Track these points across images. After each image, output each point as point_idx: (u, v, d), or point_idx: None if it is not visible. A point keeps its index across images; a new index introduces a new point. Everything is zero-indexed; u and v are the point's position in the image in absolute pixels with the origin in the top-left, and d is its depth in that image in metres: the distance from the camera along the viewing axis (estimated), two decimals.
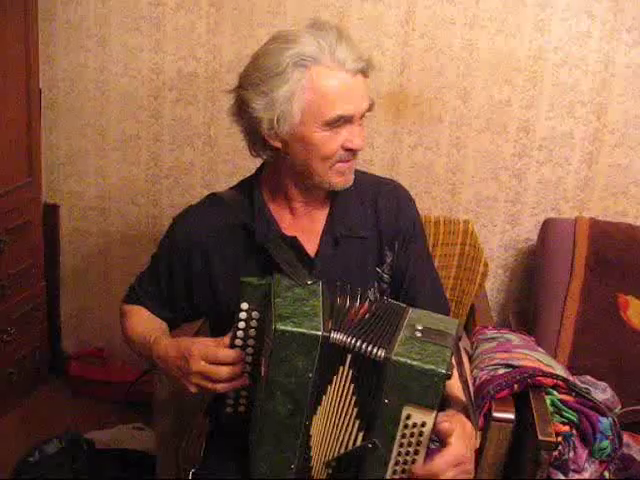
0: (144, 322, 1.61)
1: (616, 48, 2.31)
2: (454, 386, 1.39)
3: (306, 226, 1.55)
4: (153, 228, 2.74)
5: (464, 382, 1.38)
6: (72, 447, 2.31)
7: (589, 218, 2.37)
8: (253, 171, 1.62)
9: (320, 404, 1.31)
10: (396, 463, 1.29)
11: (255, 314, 1.36)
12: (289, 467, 1.34)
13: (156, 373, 1.79)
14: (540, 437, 1.62)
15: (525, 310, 2.50)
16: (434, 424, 1.26)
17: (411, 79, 2.44)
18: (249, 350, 1.38)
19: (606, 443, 1.75)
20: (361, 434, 1.30)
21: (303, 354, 1.26)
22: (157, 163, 2.69)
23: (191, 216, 1.60)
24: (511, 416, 1.72)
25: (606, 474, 1.77)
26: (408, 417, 1.25)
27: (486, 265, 2.37)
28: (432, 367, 1.22)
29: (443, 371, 1.22)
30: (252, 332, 1.37)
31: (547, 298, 2.29)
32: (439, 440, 1.31)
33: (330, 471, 1.35)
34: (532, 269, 2.47)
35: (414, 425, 1.25)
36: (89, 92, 2.67)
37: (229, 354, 1.36)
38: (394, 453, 1.28)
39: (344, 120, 1.40)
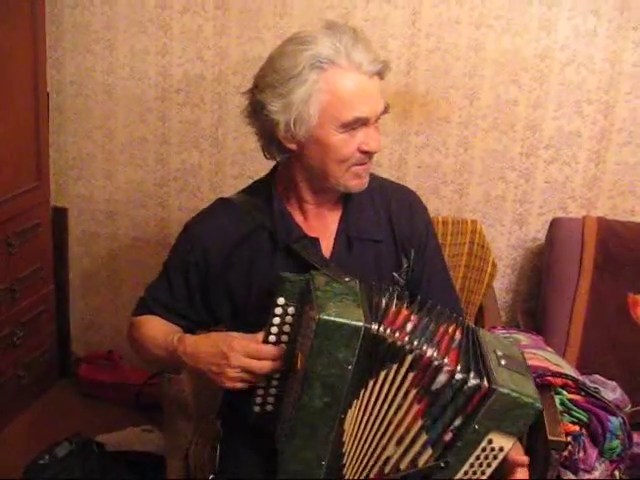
0: (160, 327, 1.59)
1: (623, 46, 2.30)
2: None
3: (318, 227, 1.55)
4: (161, 230, 2.75)
5: None
6: (82, 449, 2.31)
7: (597, 217, 2.36)
8: (260, 173, 1.62)
9: (357, 398, 1.31)
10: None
11: (291, 310, 1.36)
12: (319, 463, 1.33)
13: (165, 376, 1.79)
14: (550, 437, 1.62)
15: (533, 310, 2.50)
16: (510, 449, 1.28)
17: (418, 79, 2.44)
18: (282, 346, 1.37)
19: (616, 443, 1.75)
20: (429, 450, 1.30)
21: (344, 345, 1.25)
22: (164, 166, 2.70)
23: (204, 222, 1.59)
24: None
25: (616, 474, 1.77)
26: (490, 442, 1.26)
27: (494, 265, 2.37)
28: (532, 401, 1.24)
29: (540, 406, 1.25)
30: (286, 328, 1.37)
31: (556, 298, 2.28)
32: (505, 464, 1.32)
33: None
34: (540, 269, 2.47)
35: (492, 449, 1.27)
36: (96, 95, 2.69)
37: (271, 350, 1.36)
38: (461, 470, 1.29)
39: (360, 122, 1.40)
